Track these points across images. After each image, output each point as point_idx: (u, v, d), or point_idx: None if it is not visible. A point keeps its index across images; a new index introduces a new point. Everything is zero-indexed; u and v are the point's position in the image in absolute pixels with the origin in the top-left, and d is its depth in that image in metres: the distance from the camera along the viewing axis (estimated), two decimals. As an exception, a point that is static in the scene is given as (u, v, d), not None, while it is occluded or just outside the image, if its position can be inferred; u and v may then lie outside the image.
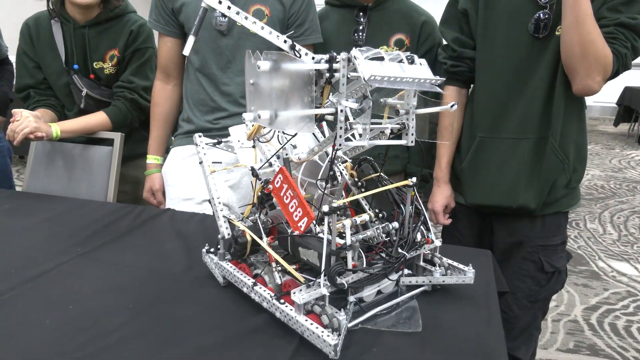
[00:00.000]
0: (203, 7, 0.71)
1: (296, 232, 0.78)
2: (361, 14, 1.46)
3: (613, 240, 3.23)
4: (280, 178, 0.81)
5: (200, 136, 0.94)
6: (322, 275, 0.73)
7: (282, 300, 0.76)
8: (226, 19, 1.35)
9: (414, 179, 0.83)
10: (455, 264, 0.89)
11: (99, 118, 1.58)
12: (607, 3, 1.13)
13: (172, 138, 1.56)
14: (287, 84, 0.65)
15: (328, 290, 0.73)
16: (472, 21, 1.30)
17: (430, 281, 0.87)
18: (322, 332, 0.68)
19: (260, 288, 0.80)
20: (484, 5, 1.27)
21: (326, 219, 0.71)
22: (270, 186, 0.83)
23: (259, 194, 0.86)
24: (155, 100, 1.54)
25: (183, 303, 0.85)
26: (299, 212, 0.77)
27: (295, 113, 0.65)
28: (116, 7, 1.58)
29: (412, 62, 0.72)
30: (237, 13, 0.72)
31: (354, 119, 0.71)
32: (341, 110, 0.67)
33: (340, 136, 0.69)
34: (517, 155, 1.26)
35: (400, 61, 0.71)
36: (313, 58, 0.69)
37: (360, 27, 1.46)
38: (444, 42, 1.41)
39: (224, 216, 0.90)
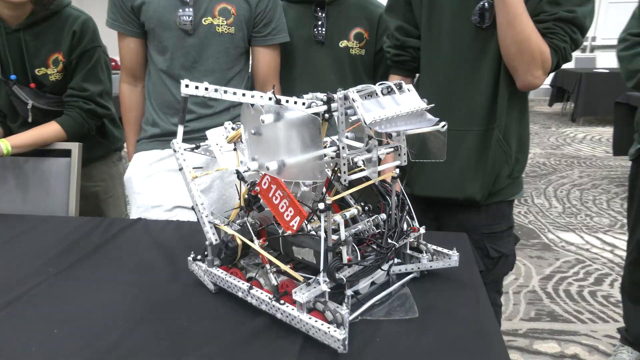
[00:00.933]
0: (183, 97, 0.74)
1: (288, 232, 0.78)
2: (319, 9, 1.47)
3: (559, 213, 3.45)
4: (267, 179, 0.81)
5: (176, 142, 0.92)
6: (322, 272, 0.74)
7: (282, 301, 0.76)
8: (190, 18, 1.31)
9: (397, 171, 0.85)
10: (439, 249, 0.92)
11: (52, 129, 1.50)
12: None
13: (136, 143, 1.51)
14: (293, 133, 0.65)
15: (328, 287, 0.74)
16: (416, 10, 1.28)
17: (418, 268, 0.90)
18: (328, 327, 0.69)
19: (257, 291, 0.80)
20: None
21: (322, 216, 0.72)
22: (257, 188, 0.82)
23: (246, 196, 0.85)
24: (127, 105, 1.48)
25: (176, 314, 0.83)
26: (290, 211, 0.77)
27: (304, 159, 0.65)
28: (50, 2, 1.43)
29: (400, 88, 0.74)
30: (216, 90, 0.75)
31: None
32: (343, 148, 0.68)
33: (345, 172, 0.71)
34: (464, 148, 1.24)
35: (390, 91, 0.73)
36: (304, 104, 0.71)
37: (319, 23, 1.47)
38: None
39: (209, 222, 0.89)
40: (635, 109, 3.93)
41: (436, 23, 1.25)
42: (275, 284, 0.81)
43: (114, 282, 0.95)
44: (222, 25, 1.34)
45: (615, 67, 6.20)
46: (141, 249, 1.10)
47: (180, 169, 0.90)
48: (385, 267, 0.85)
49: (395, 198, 0.88)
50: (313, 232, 0.80)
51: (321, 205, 0.71)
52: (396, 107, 0.71)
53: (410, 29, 1.30)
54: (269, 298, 0.77)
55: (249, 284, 0.82)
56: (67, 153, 1.51)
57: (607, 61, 7.64)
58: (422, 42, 1.29)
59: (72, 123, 1.51)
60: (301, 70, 1.48)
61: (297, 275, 0.77)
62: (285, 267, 0.77)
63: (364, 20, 1.48)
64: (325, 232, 0.76)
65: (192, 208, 0.91)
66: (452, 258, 0.91)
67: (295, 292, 0.73)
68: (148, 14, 1.33)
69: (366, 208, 0.89)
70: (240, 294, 0.83)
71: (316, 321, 0.71)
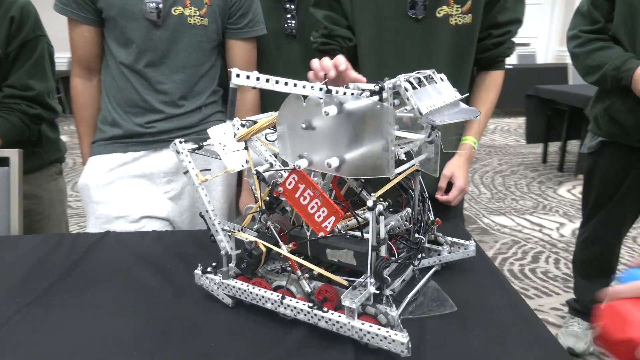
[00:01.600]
0: (232, 88, 0.65)
1: (321, 234, 0.73)
2: (288, 1, 1.41)
3: (488, 199, 3.69)
4: (294, 179, 0.74)
5: (181, 142, 0.82)
6: (370, 273, 0.70)
7: (325, 308, 0.71)
8: (158, 6, 1.17)
9: (417, 164, 0.83)
10: (456, 240, 0.92)
11: None
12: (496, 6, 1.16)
13: (91, 145, 1.34)
14: (356, 124, 0.60)
15: (375, 288, 0.70)
16: (345, 4, 1.23)
17: (440, 260, 0.89)
18: (387, 332, 0.65)
19: (292, 300, 0.74)
20: None
21: (372, 215, 0.68)
22: (281, 189, 0.76)
23: (267, 198, 0.78)
24: (81, 101, 1.30)
25: (198, 335, 0.74)
26: (323, 211, 0.72)
27: (368, 152, 0.60)
28: None
29: (431, 78, 0.72)
30: (267, 80, 0.69)
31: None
32: (391, 141, 0.64)
33: (392, 165, 0.66)
34: None
35: (431, 79, 0.70)
36: (352, 94, 0.65)
37: (289, 15, 1.40)
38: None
39: (222, 229, 0.80)
40: (544, 101, 4.35)
41: (370, 17, 1.20)
42: (309, 290, 0.75)
43: (106, 307, 0.83)
44: (194, 16, 1.22)
45: (519, 64, 6.78)
46: (125, 266, 0.98)
47: (186, 172, 0.81)
48: (416, 262, 0.83)
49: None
50: (344, 232, 0.76)
51: (370, 203, 0.67)
52: (440, 96, 0.69)
53: (338, 18, 1.26)
54: (309, 306, 0.72)
55: (280, 294, 0.75)
56: (3, 162, 1.30)
57: (509, 58, 8.30)
58: (358, 37, 1.24)
59: (10, 129, 1.31)
60: (272, 66, 1.41)
61: (340, 279, 0.72)
62: (327, 273, 0.72)
63: None
64: (361, 231, 0.72)
65: (201, 215, 0.82)
66: (470, 248, 0.91)
67: (344, 298, 0.68)
68: (108, 0, 1.18)
69: (386, 204, 0.86)
70: (269, 306, 0.76)
71: (371, 326, 0.66)
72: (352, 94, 0.67)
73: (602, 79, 1.43)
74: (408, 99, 0.66)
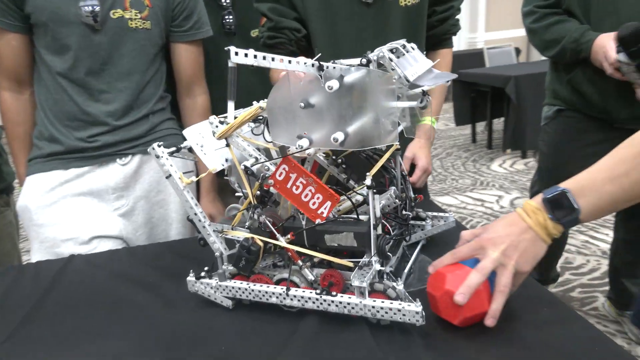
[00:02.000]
0: (231, 67, 0.62)
1: (317, 221, 0.73)
2: None
3: (430, 181, 3.85)
4: (284, 169, 0.74)
5: (159, 145, 0.78)
6: (374, 251, 0.71)
7: (333, 292, 0.71)
8: (95, 9, 1.10)
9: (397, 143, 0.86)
10: (435, 213, 0.96)
11: None
12: None
13: (27, 163, 1.23)
14: (357, 96, 0.60)
15: (379, 265, 0.71)
16: None
17: (425, 234, 0.93)
18: (400, 304, 0.67)
19: (297, 290, 0.73)
20: None
21: (370, 193, 0.69)
22: (271, 181, 0.75)
23: (258, 192, 0.77)
24: (12, 117, 1.19)
25: (206, 342, 0.72)
26: (318, 198, 0.73)
27: (371, 122, 0.60)
28: None
29: (404, 47, 0.74)
30: (264, 58, 0.66)
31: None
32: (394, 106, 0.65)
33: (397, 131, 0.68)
34: None
35: (406, 50, 0.72)
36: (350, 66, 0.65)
37: (227, 12, 1.37)
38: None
39: (214, 230, 0.78)
40: (467, 84, 4.61)
41: (329, 6, 1.20)
42: (312, 279, 0.75)
43: (96, 330, 0.78)
44: (135, 19, 1.17)
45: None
46: (103, 286, 0.92)
47: (169, 176, 0.77)
48: (408, 238, 0.85)
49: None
50: (338, 217, 0.77)
51: (368, 182, 0.69)
52: (418, 63, 0.72)
53: (284, 9, 1.23)
54: (317, 293, 0.72)
55: (284, 286, 0.74)
56: None
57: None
58: (312, 25, 1.23)
59: None
60: (213, 65, 1.36)
61: (346, 262, 0.73)
62: (332, 258, 0.73)
63: None
64: (357, 213, 0.74)
65: (189, 219, 0.80)
66: (449, 220, 0.95)
67: (353, 278, 0.69)
68: (37, 4, 1.09)
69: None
70: (273, 300, 0.75)
71: (383, 302, 0.68)
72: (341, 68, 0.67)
73: (561, 52, 1.47)
74: (393, 69, 0.68)
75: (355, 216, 0.76)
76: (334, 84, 0.59)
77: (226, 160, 0.86)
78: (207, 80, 1.36)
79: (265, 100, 0.75)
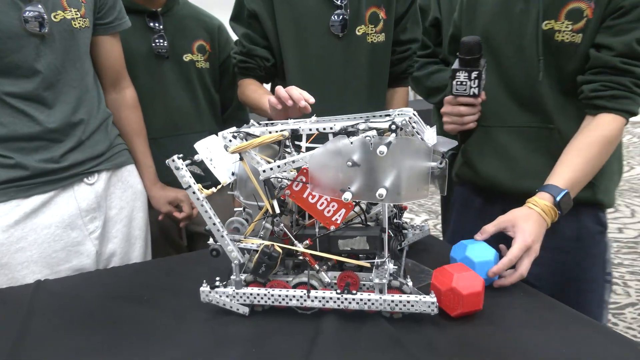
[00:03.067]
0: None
1: (332, 227, 0.81)
2: (151, 20, 1.38)
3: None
4: (301, 180, 0.81)
5: (179, 157, 0.79)
6: (387, 251, 0.80)
7: (354, 291, 0.78)
8: (38, 13, 1.02)
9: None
10: (412, 224, 1.08)
11: None
12: None
13: None
14: (407, 161, 0.70)
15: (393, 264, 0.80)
16: (264, 23, 1.29)
17: (409, 241, 1.03)
18: (416, 297, 0.76)
19: (317, 292, 0.79)
20: (280, 7, 1.27)
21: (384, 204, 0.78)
22: (288, 191, 0.81)
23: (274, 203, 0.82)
24: None
25: (233, 348, 0.74)
26: (333, 206, 0.80)
27: (412, 179, 0.70)
28: None
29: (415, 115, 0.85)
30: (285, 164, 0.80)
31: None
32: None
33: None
34: None
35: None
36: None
37: (157, 35, 1.37)
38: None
39: (232, 239, 0.81)
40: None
41: (294, 34, 1.28)
42: (328, 281, 0.82)
43: (110, 349, 0.75)
44: (77, 18, 1.10)
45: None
46: (95, 307, 0.88)
47: (188, 187, 0.79)
48: (404, 242, 0.96)
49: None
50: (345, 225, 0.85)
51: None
52: (428, 131, 0.85)
53: (256, 37, 1.31)
54: (337, 293, 0.78)
55: (303, 289, 0.79)
56: None
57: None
58: (285, 53, 1.29)
59: None
60: (147, 89, 1.36)
61: (364, 263, 0.80)
62: (350, 260, 0.80)
63: (202, 31, 1.46)
64: (365, 220, 0.82)
65: (206, 230, 0.81)
66: (425, 229, 1.08)
67: (374, 277, 0.77)
68: None
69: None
70: (294, 303, 0.79)
71: (400, 296, 0.76)
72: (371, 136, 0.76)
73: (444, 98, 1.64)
74: (414, 135, 0.80)
75: (364, 223, 0.84)
76: (384, 149, 0.68)
77: (232, 174, 0.90)
78: (141, 101, 1.34)
79: (286, 125, 0.82)
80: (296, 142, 0.91)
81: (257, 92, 1.30)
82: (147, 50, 1.36)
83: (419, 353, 0.69)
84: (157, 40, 1.37)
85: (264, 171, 0.78)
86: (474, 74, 0.96)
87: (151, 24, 1.37)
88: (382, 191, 0.70)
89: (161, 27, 1.37)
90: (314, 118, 0.91)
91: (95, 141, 1.17)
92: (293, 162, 0.77)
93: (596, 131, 0.97)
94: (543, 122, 1.06)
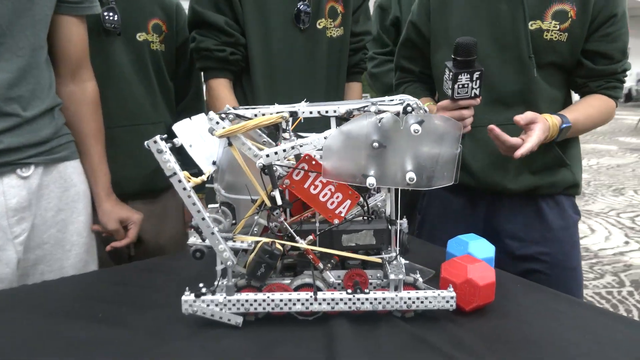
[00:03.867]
0: None
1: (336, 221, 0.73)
2: None
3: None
4: (303, 168, 0.72)
5: (162, 138, 0.65)
6: (398, 247, 0.73)
7: (366, 290, 0.70)
8: None
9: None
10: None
11: None
12: None
13: None
14: (436, 140, 0.64)
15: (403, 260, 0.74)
16: (236, 8, 1.20)
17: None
18: (433, 293, 0.70)
19: (324, 294, 0.70)
20: None
21: (392, 192, 0.72)
22: (287, 181, 0.71)
23: (272, 194, 0.71)
24: None
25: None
26: (337, 197, 0.73)
27: (443, 166, 0.65)
28: None
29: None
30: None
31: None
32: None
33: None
34: None
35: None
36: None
37: (108, 8, 1.18)
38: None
39: (222, 237, 0.69)
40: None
41: (260, 23, 1.22)
42: (332, 281, 0.73)
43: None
44: None
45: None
46: (38, 330, 0.69)
47: (173, 175, 0.66)
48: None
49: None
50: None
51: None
52: None
53: (236, 26, 1.21)
54: (348, 293, 0.69)
55: (307, 292, 0.70)
56: None
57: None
58: (250, 44, 1.22)
59: None
60: (96, 69, 1.14)
61: (374, 259, 0.72)
62: (360, 256, 0.72)
63: (158, 9, 1.29)
64: (368, 213, 0.76)
65: (193, 227, 0.68)
66: (403, 226, 1.03)
67: (390, 273, 0.70)
68: None
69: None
70: (298, 307, 0.69)
71: (417, 292, 0.70)
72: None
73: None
74: None
75: (367, 216, 0.77)
76: (418, 127, 0.62)
77: (213, 162, 0.78)
78: None
79: (286, 108, 0.73)
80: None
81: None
82: (94, 24, 1.15)
83: (450, 351, 0.63)
84: (106, 13, 1.17)
85: (267, 155, 0.68)
86: (476, 75, 0.94)
87: None
88: (412, 175, 0.64)
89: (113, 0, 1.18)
90: (304, 103, 0.82)
91: (36, 126, 0.96)
92: (301, 145, 0.68)
93: (599, 101, 1.11)
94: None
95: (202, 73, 1.31)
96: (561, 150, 1.11)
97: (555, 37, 1.05)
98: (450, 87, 0.98)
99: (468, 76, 0.95)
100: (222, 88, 1.24)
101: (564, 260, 1.12)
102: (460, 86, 0.95)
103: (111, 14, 1.18)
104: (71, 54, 1.05)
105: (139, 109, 1.25)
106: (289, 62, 1.24)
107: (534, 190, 1.12)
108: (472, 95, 0.97)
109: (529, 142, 0.96)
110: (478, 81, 0.95)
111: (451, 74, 0.95)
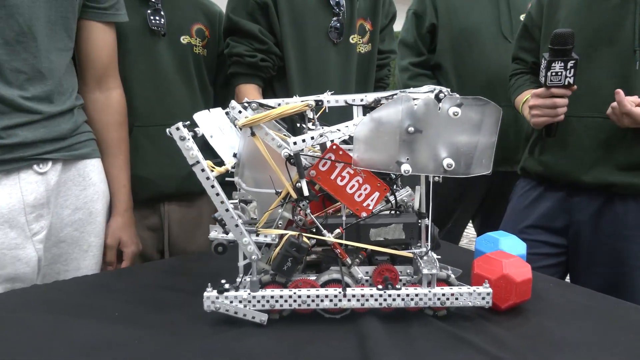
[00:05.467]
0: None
1: (364, 214, 0.69)
2: None
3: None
4: (330, 158, 0.69)
5: (185, 125, 0.63)
6: (430, 242, 0.70)
7: (397, 286, 0.67)
8: None
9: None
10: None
11: None
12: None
13: None
14: (475, 125, 0.61)
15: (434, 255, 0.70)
16: (272, 16, 1.22)
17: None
18: (469, 289, 0.66)
19: (354, 290, 0.66)
20: (282, 1, 1.22)
21: (422, 184, 0.69)
22: (313, 172, 0.68)
23: (298, 185, 0.68)
24: None
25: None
26: (365, 189, 0.70)
27: (481, 152, 0.62)
28: None
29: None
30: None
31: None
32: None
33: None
34: None
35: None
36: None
37: (153, 10, 1.15)
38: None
39: (247, 230, 0.65)
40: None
41: (298, 35, 1.24)
42: (361, 276, 0.69)
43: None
44: None
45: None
46: (50, 329, 0.66)
47: (195, 164, 0.63)
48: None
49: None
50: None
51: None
52: None
53: (267, 34, 1.23)
54: (378, 289, 0.66)
55: (336, 288, 0.66)
56: None
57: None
58: (290, 56, 1.24)
59: None
60: (139, 69, 1.16)
61: (406, 253, 0.69)
62: (392, 251, 0.69)
63: (201, 15, 1.29)
64: (396, 206, 0.73)
65: (217, 220, 0.65)
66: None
67: (423, 268, 0.66)
68: None
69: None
70: (326, 304, 0.66)
71: (451, 288, 0.66)
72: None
73: None
74: None
75: (395, 210, 0.73)
76: (458, 110, 0.59)
77: (234, 155, 0.74)
78: (131, 82, 1.15)
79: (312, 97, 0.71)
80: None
81: None
82: (141, 25, 1.15)
83: (493, 350, 0.59)
84: (152, 16, 1.16)
85: (295, 143, 0.65)
86: (570, 64, 0.95)
87: None
88: (449, 161, 0.61)
89: (158, 1, 1.17)
90: (328, 93, 0.79)
91: (54, 122, 0.93)
92: (332, 132, 0.65)
93: None
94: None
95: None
96: None
97: None
98: (544, 74, 0.99)
99: (562, 64, 0.96)
100: (250, 92, 1.23)
101: (631, 259, 1.07)
102: (554, 74, 0.97)
103: (157, 16, 1.17)
104: (96, 61, 1.04)
105: (179, 108, 1.22)
106: (324, 73, 1.27)
107: (609, 187, 1.08)
108: (566, 83, 0.98)
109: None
110: (572, 70, 0.95)
111: (545, 61, 0.96)
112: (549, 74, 0.98)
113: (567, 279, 1.20)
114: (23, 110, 0.88)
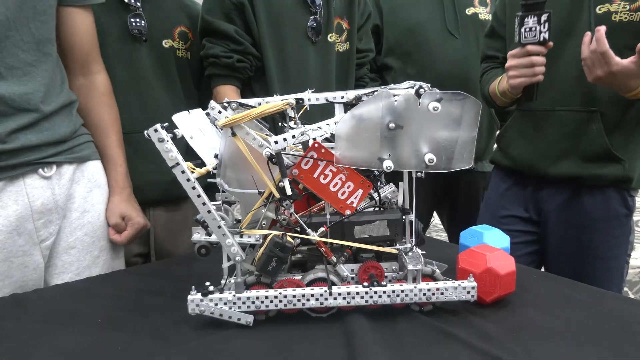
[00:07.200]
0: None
1: (347, 212, 0.69)
2: None
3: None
4: (312, 156, 0.68)
5: (163, 127, 0.61)
6: (414, 237, 0.70)
7: (383, 282, 0.67)
8: None
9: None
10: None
11: None
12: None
13: None
14: (456, 120, 0.61)
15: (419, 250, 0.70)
16: (248, 16, 1.21)
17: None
18: (454, 284, 0.67)
19: (339, 288, 0.66)
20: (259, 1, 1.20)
21: (405, 181, 0.69)
22: (295, 171, 0.68)
23: (280, 184, 0.67)
24: None
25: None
26: (349, 186, 0.69)
27: (462, 147, 0.62)
28: None
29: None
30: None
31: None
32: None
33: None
34: None
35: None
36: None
37: (134, 14, 1.15)
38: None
39: (230, 231, 0.65)
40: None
41: (275, 33, 1.23)
42: (346, 274, 0.69)
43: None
44: None
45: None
46: (32, 334, 0.64)
47: (175, 166, 0.62)
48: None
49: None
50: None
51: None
52: None
53: (244, 34, 1.22)
54: (364, 286, 0.66)
55: (321, 287, 0.66)
56: None
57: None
58: (264, 52, 1.23)
59: None
60: (119, 76, 1.13)
61: (391, 249, 0.69)
62: (377, 248, 0.68)
63: (184, 17, 1.27)
64: (380, 203, 0.73)
65: (197, 220, 0.64)
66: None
67: (408, 264, 0.66)
68: None
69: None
70: (312, 303, 0.65)
71: (436, 283, 0.67)
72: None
73: None
74: None
75: (379, 207, 0.73)
76: (437, 105, 0.59)
77: (215, 155, 0.74)
78: (114, 89, 1.11)
79: (293, 96, 0.70)
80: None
81: None
82: (121, 30, 1.13)
83: (478, 343, 0.59)
84: (133, 20, 1.13)
85: (276, 142, 0.64)
86: (543, 17, 0.91)
87: (127, 0, 1.13)
88: (431, 156, 0.61)
89: (139, 4, 1.14)
90: (309, 91, 0.79)
91: (53, 123, 0.91)
92: (313, 130, 0.65)
93: None
94: (585, 105, 1.06)
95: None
96: (622, 143, 1.06)
97: (626, 18, 0.99)
98: (517, 31, 0.96)
99: (535, 19, 0.92)
100: (228, 94, 1.22)
101: (598, 249, 1.09)
102: (527, 29, 0.93)
103: (138, 20, 1.14)
104: (78, 47, 1.01)
105: (162, 114, 1.19)
106: (303, 72, 1.26)
107: (576, 179, 1.10)
108: (541, 39, 0.94)
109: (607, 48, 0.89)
110: (547, 24, 0.92)
111: (518, 18, 0.93)
112: (522, 30, 0.94)
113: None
114: (20, 109, 0.85)
